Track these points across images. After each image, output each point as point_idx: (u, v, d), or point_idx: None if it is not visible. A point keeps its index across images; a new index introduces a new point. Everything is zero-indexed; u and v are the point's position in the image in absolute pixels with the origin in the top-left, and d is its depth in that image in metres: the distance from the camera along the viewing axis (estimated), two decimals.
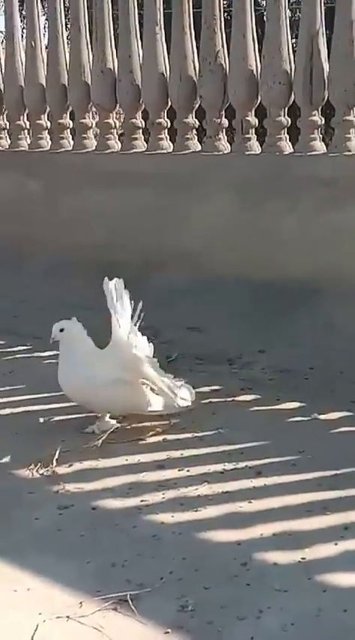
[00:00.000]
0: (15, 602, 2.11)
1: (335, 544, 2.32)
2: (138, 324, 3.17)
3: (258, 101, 4.34)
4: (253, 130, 4.42)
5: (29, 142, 5.38)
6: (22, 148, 5.40)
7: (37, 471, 2.84)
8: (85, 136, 5.09)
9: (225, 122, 4.52)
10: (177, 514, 2.52)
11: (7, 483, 2.77)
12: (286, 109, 4.29)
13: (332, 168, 4.12)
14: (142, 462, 2.90)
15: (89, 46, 4.97)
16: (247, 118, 4.37)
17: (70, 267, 4.99)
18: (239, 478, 2.74)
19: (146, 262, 4.71)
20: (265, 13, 4.30)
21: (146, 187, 4.73)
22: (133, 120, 4.86)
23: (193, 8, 4.51)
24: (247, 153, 4.39)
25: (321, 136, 4.29)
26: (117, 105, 4.93)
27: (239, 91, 4.33)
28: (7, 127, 5.50)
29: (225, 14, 4.46)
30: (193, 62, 4.52)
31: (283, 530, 2.41)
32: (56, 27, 5.07)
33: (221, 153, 4.51)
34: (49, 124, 5.32)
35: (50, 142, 5.29)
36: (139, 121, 4.87)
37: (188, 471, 2.81)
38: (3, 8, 5.46)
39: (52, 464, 2.86)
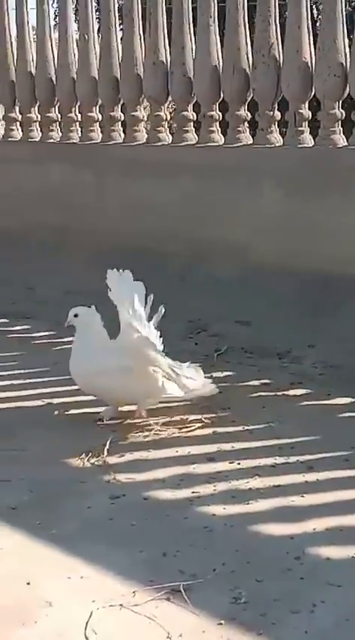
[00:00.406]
0: (69, 589, 2.13)
1: None
2: (148, 316, 3.16)
3: (312, 93, 4.30)
4: (306, 122, 4.38)
5: (80, 135, 5.41)
6: (73, 141, 5.43)
7: (88, 460, 2.85)
8: (135, 128, 5.10)
9: (278, 115, 4.49)
10: (229, 506, 2.52)
11: (59, 472, 2.79)
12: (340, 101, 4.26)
13: None
14: (192, 454, 2.90)
15: (142, 39, 4.98)
16: (300, 110, 4.33)
17: (117, 259, 4.97)
18: (290, 472, 2.73)
19: (194, 254, 4.71)
20: (320, 5, 4.27)
21: (196, 180, 4.72)
22: (184, 112, 4.85)
23: (247, 1, 4.49)
24: (300, 146, 4.36)
25: None
26: (169, 97, 4.93)
27: (293, 84, 4.30)
28: (59, 119, 5.54)
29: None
30: (247, 54, 4.50)
31: (336, 525, 2.39)
32: (109, 19, 5.08)
33: (273, 145, 4.48)
34: (100, 116, 5.34)
35: (101, 135, 5.31)
36: (190, 114, 4.87)
37: (239, 464, 2.80)
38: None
39: (103, 454, 2.87)
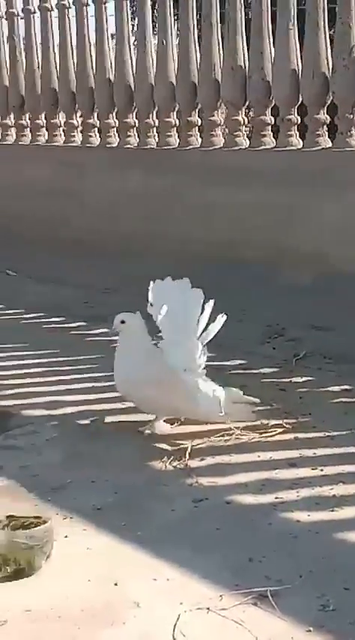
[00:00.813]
0: (156, 591, 2.14)
1: None
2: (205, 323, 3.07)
3: None
4: None
5: (157, 140, 5.45)
6: (150, 146, 5.48)
7: (169, 463, 2.86)
8: (212, 133, 5.12)
9: None
10: (313, 513, 2.50)
11: (142, 475, 2.81)
12: None
13: None
14: (274, 459, 2.89)
15: (220, 44, 4.99)
16: None
17: (193, 264, 5.02)
18: None
19: (271, 259, 4.69)
20: None
21: (274, 184, 4.71)
22: (263, 116, 4.85)
23: (327, 4, 4.46)
24: None
25: None
26: (247, 101, 4.93)
27: None
28: (137, 125, 5.59)
29: None
30: (326, 58, 4.47)
31: None
32: (187, 25, 5.12)
33: (353, 149, 4.44)
34: (177, 121, 5.38)
35: (178, 140, 5.35)
36: (268, 118, 4.86)
37: (322, 470, 2.78)
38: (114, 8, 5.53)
39: (185, 457, 2.88)
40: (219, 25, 5.01)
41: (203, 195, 5.07)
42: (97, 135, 5.87)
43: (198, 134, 5.25)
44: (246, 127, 5.11)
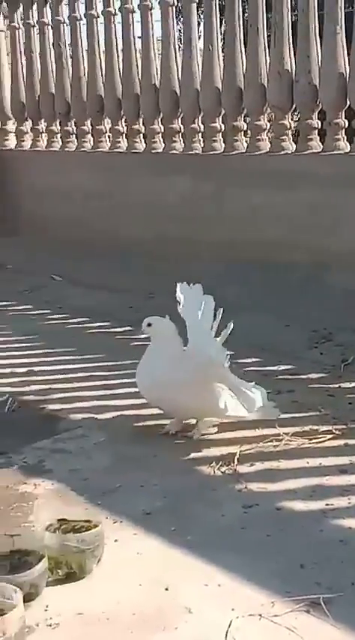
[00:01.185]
0: (207, 596, 2.13)
1: None
2: (215, 330, 3.06)
3: None
4: None
5: (203, 145, 5.46)
6: (196, 151, 5.49)
7: (218, 468, 2.85)
8: (259, 137, 5.11)
9: None
10: None
11: (190, 479, 2.80)
12: None
13: None
14: (324, 465, 2.86)
15: (266, 48, 4.98)
16: None
17: (238, 269, 5.02)
18: None
19: (318, 263, 4.67)
20: None
21: (320, 188, 4.68)
22: (309, 120, 4.82)
23: None
24: None
25: None
26: (293, 105, 4.91)
27: None
28: (182, 130, 5.60)
29: None
30: None
31: None
32: (234, 30, 5.11)
33: None
34: (223, 126, 5.37)
35: (223, 145, 5.34)
36: (315, 122, 4.83)
37: None
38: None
39: (234, 462, 2.87)
40: (266, 29, 4.99)
41: (249, 199, 5.06)
42: (143, 141, 5.89)
43: (244, 139, 5.23)
44: (292, 131, 5.08)
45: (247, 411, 3.07)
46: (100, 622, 2.04)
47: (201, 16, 5.54)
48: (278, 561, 2.28)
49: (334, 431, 3.09)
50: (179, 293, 3.13)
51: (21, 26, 6.69)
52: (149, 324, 3.16)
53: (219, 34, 5.31)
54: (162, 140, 5.73)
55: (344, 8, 4.56)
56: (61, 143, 6.55)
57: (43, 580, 2.12)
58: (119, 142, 6.03)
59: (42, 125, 6.70)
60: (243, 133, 5.25)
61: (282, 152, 4.95)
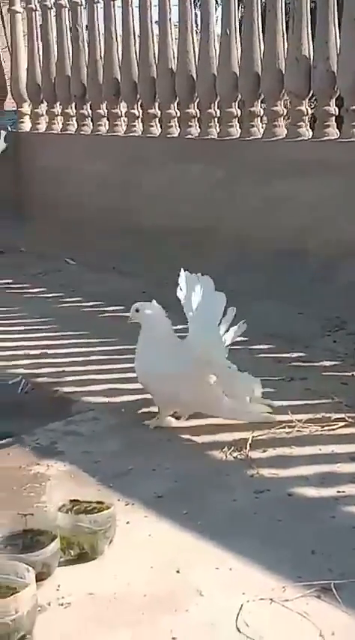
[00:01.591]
0: (218, 580, 2.14)
1: None
2: (224, 329, 3.01)
3: None
4: None
5: (218, 131, 5.43)
6: (211, 137, 5.46)
7: (230, 453, 2.86)
8: (275, 123, 5.08)
9: None
10: None
11: (202, 464, 2.81)
12: None
13: None
14: (336, 452, 2.86)
15: (284, 34, 4.95)
16: None
17: (253, 256, 5.00)
18: None
19: (334, 253, 4.64)
20: None
21: (337, 176, 4.65)
22: (326, 107, 4.79)
23: None
24: None
25: None
26: (310, 92, 4.88)
27: None
28: (198, 115, 5.58)
29: None
30: None
31: None
32: (252, 14, 5.08)
33: None
34: (239, 112, 5.35)
35: (240, 130, 5.32)
36: (332, 108, 4.80)
37: None
38: None
39: (246, 448, 2.87)
40: (284, 14, 4.96)
41: (264, 185, 5.04)
42: (158, 125, 5.87)
43: (260, 125, 5.21)
44: (308, 117, 5.05)
45: (241, 405, 3.04)
46: (111, 603, 2.06)
47: (219, 1, 5.50)
48: (290, 547, 2.29)
49: (347, 419, 3.08)
50: (182, 281, 3.05)
51: (38, 8, 6.67)
52: (137, 310, 3.12)
53: (236, 18, 5.27)
54: (177, 125, 5.71)
55: None
56: (76, 126, 6.53)
57: (55, 560, 2.14)
58: (134, 125, 6.01)
59: (57, 108, 6.69)
60: (259, 118, 5.22)
61: (299, 138, 4.92)
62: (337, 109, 4.80)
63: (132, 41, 5.90)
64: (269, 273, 4.88)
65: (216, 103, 5.42)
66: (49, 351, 4.00)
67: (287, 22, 4.92)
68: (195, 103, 5.56)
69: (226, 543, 2.30)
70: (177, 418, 3.14)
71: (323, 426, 3.04)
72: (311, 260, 4.73)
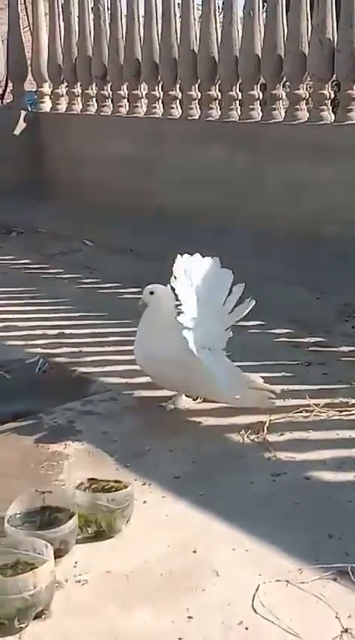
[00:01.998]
0: (235, 560, 2.15)
1: None
2: (231, 306, 2.96)
3: None
4: None
5: (240, 113, 5.40)
6: (233, 119, 5.44)
7: (247, 436, 2.86)
8: (297, 107, 5.05)
9: None
10: None
11: (219, 446, 2.81)
12: None
13: None
14: (354, 437, 2.85)
15: (308, 16, 4.90)
16: None
17: (273, 240, 4.99)
18: None
19: (352, 237, 4.62)
20: None
21: None
22: (349, 91, 4.75)
23: None
24: None
25: None
26: (333, 75, 4.84)
27: None
28: (219, 97, 5.55)
29: None
30: None
31: None
32: None
33: None
34: (260, 94, 5.31)
35: (261, 113, 5.29)
36: None
37: None
38: None
39: (263, 431, 2.87)
40: None
41: (284, 168, 5.02)
42: (179, 107, 5.84)
43: (282, 107, 5.17)
44: (331, 101, 5.02)
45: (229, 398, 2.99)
46: (128, 581, 2.07)
47: None
48: (307, 530, 2.29)
49: None
50: (179, 268, 2.93)
51: None
52: (151, 292, 3.08)
53: (260, 0, 5.23)
54: (198, 107, 5.68)
55: None
56: (96, 107, 6.52)
57: (73, 537, 2.14)
58: (155, 107, 5.99)
59: (78, 88, 6.67)
60: (280, 101, 5.19)
61: (321, 122, 4.90)
62: None
63: (155, 22, 5.87)
64: (289, 257, 4.87)
65: (238, 85, 5.39)
66: (67, 332, 4.00)
67: (311, 4, 4.88)
68: (217, 85, 5.54)
69: (243, 525, 2.30)
70: (194, 399, 3.14)
71: (340, 411, 3.03)
72: (331, 245, 4.71)
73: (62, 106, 6.82)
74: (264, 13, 5.21)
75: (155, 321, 3.06)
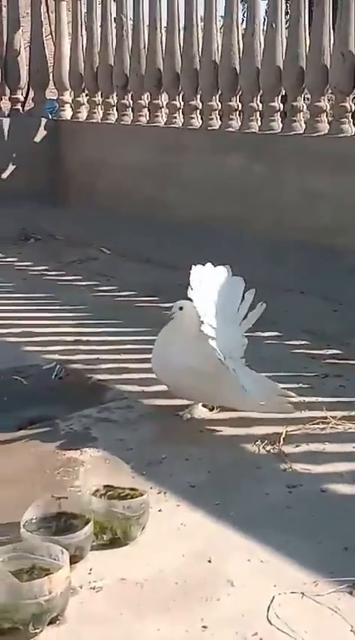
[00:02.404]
0: (250, 571, 2.14)
1: None
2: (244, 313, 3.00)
3: None
4: None
5: (260, 124, 5.41)
6: (252, 130, 5.44)
7: (263, 447, 2.85)
8: (317, 119, 5.05)
9: None
10: None
11: (235, 456, 2.80)
12: None
13: None
14: None
15: (330, 29, 4.91)
16: None
17: (289, 250, 4.98)
18: None
19: None
20: None
21: None
22: None
23: None
24: None
25: None
26: None
27: None
28: (240, 108, 5.56)
29: None
30: None
31: None
32: (298, 8, 5.05)
33: None
34: (281, 106, 5.32)
35: (281, 125, 5.29)
36: None
37: None
38: None
39: (279, 442, 2.86)
40: (331, 9, 4.92)
41: (303, 181, 5.02)
42: (199, 117, 5.86)
43: (302, 119, 5.18)
44: (352, 114, 5.02)
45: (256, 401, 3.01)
46: (143, 589, 2.06)
47: None
48: (322, 542, 2.28)
49: None
50: (195, 278, 2.95)
51: None
52: (180, 308, 3.09)
53: (282, 12, 5.24)
54: (218, 117, 5.70)
55: None
56: (116, 116, 6.54)
57: (89, 544, 2.14)
58: (175, 117, 6.01)
59: (98, 97, 6.70)
60: (301, 113, 5.19)
61: (341, 135, 4.89)
62: None
63: (177, 32, 5.89)
64: (306, 269, 4.87)
65: (259, 96, 5.40)
66: (83, 338, 4.01)
67: (334, 17, 4.89)
68: (237, 96, 5.55)
69: (258, 535, 2.30)
70: (211, 409, 3.14)
71: None
72: (348, 256, 4.70)
73: (83, 114, 6.85)
74: (286, 25, 5.22)
75: (178, 333, 3.06)
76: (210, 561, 2.18)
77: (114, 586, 2.07)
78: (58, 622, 1.91)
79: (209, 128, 5.72)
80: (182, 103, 5.97)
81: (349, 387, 3.37)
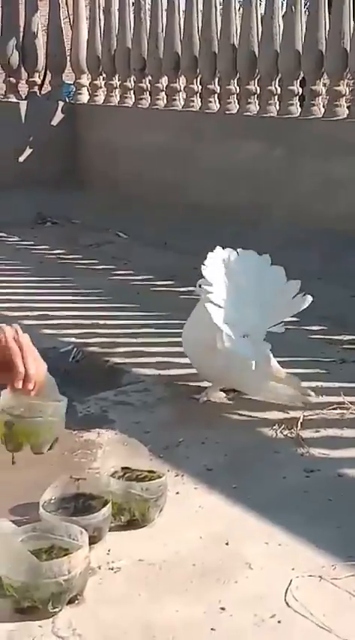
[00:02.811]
0: (267, 554, 2.14)
1: None
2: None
3: None
4: None
5: (278, 109, 5.38)
6: (271, 114, 5.41)
7: (280, 431, 2.85)
8: (336, 103, 5.02)
9: None
10: None
11: (252, 439, 2.80)
12: None
13: None
14: None
15: (351, 12, 4.87)
16: None
17: (307, 237, 4.96)
18: None
19: None
20: None
21: None
22: None
23: None
24: None
25: None
26: None
27: None
28: (258, 92, 5.53)
29: None
30: None
31: None
32: None
33: None
34: (300, 90, 5.29)
35: (300, 109, 5.26)
36: None
37: None
38: None
39: (297, 427, 2.86)
40: None
41: (322, 165, 4.99)
42: (217, 101, 5.83)
43: (321, 104, 5.15)
44: None
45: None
46: (161, 570, 2.07)
47: None
48: (341, 526, 2.27)
49: None
50: (216, 256, 3.05)
51: None
52: (200, 286, 3.11)
53: None
54: (236, 101, 5.67)
55: None
56: (133, 99, 6.52)
57: (107, 525, 2.15)
58: (193, 100, 5.98)
59: (116, 80, 6.68)
60: (320, 97, 5.16)
61: None
62: None
63: (195, 15, 5.85)
64: (324, 255, 4.85)
65: (277, 80, 5.36)
66: (100, 322, 4.01)
67: (354, 2, 4.85)
68: (256, 80, 5.51)
69: (276, 519, 2.29)
70: (227, 393, 3.14)
71: None
72: None
73: (100, 98, 6.83)
74: (306, 8, 5.18)
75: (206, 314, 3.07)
76: (227, 544, 2.18)
77: (132, 567, 2.08)
78: (76, 601, 1.91)
79: (227, 112, 5.69)
80: (200, 87, 5.94)
81: None
